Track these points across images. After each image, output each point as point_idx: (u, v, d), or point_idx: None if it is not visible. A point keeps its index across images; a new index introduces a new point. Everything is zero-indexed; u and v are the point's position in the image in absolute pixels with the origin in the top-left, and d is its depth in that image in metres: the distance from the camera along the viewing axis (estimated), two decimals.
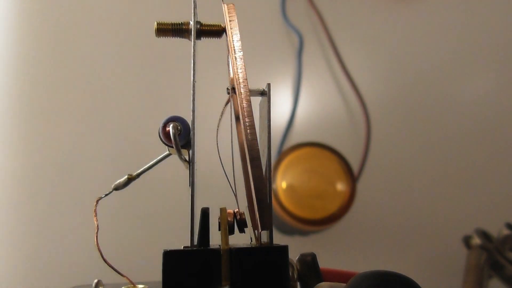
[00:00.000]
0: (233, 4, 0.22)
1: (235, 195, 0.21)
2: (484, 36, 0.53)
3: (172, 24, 0.22)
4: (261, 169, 0.19)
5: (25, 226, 0.43)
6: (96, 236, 0.20)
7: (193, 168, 0.20)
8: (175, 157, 0.20)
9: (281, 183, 0.40)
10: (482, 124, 0.51)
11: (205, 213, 0.19)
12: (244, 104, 0.20)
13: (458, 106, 0.51)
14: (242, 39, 0.21)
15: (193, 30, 0.21)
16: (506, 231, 0.40)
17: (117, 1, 0.50)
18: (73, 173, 0.44)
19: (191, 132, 0.20)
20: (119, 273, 0.20)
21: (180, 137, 0.20)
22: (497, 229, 0.41)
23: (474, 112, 0.51)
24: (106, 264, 0.20)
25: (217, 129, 0.22)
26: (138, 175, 0.22)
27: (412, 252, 0.46)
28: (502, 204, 0.48)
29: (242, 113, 0.20)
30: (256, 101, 0.22)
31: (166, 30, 0.22)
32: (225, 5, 0.22)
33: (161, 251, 0.18)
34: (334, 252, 0.45)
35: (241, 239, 0.21)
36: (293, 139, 0.47)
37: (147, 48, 0.48)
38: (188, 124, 0.20)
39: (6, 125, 0.45)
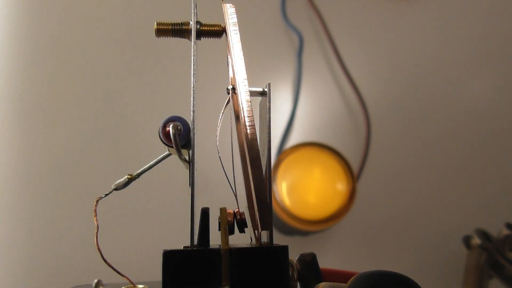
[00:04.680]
0: (233, 4, 0.22)
1: (235, 195, 0.21)
2: (485, 37, 0.53)
3: (172, 24, 0.22)
4: (261, 169, 0.19)
5: (25, 226, 0.43)
6: (96, 236, 0.20)
7: (193, 168, 0.20)
8: (175, 157, 0.20)
9: (281, 183, 0.40)
10: (482, 124, 0.51)
11: (205, 213, 0.19)
12: (244, 104, 0.20)
13: (458, 106, 0.51)
14: (242, 39, 0.21)
15: (193, 30, 0.21)
16: (506, 231, 0.40)
17: (117, 1, 0.50)
18: (73, 173, 0.44)
19: (191, 132, 0.20)
20: (119, 273, 0.20)
21: (180, 137, 0.20)
22: (497, 229, 0.41)
23: (474, 112, 0.51)
24: (106, 264, 0.20)
25: (217, 129, 0.22)
26: (138, 175, 0.22)
27: (412, 252, 0.46)
28: (502, 204, 0.48)
29: (242, 113, 0.20)
30: (256, 101, 0.22)
31: (166, 30, 0.22)
32: (225, 5, 0.22)
33: (161, 251, 0.18)
34: (334, 252, 0.45)
35: (241, 239, 0.21)
36: (293, 139, 0.47)
37: (147, 48, 0.48)
38: (188, 124, 0.20)
39: (6, 125, 0.45)
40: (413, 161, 0.48)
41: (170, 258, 0.18)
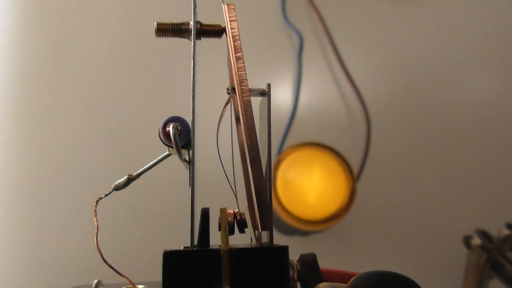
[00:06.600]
0: (233, 4, 0.22)
1: (235, 195, 0.21)
2: (486, 37, 0.53)
3: (172, 24, 0.22)
4: (261, 169, 0.19)
5: (25, 226, 0.43)
6: (96, 236, 0.20)
7: (193, 168, 0.20)
8: (175, 157, 0.20)
9: (281, 184, 0.40)
10: (482, 124, 0.51)
11: (205, 213, 0.19)
12: (244, 105, 0.20)
13: (459, 106, 0.51)
14: (242, 39, 0.21)
15: (193, 30, 0.21)
16: (506, 231, 0.40)
17: (117, 1, 0.50)
18: (73, 173, 0.44)
19: (191, 132, 0.20)
20: (119, 273, 0.20)
21: (180, 137, 0.20)
22: (497, 229, 0.41)
23: (474, 112, 0.51)
24: (106, 264, 0.20)
25: (217, 129, 0.22)
26: (138, 175, 0.22)
27: (412, 252, 0.46)
28: (502, 204, 0.48)
29: (242, 113, 0.20)
30: (256, 101, 0.22)
31: (166, 30, 0.22)
32: (225, 5, 0.22)
33: (161, 251, 0.18)
34: (334, 252, 0.45)
35: (241, 240, 0.21)
36: (293, 139, 0.47)
37: (147, 48, 0.48)
38: (188, 124, 0.20)
39: (6, 125, 0.45)
40: (413, 161, 0.48)
41: (170, 258, 0.18)
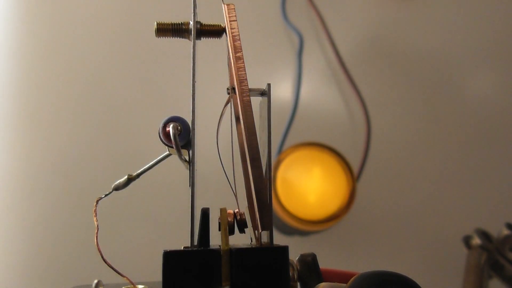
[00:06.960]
0: (233, 4, 0.22)
1: (235, 195, 0.21)
2: (487, 34, 0.53)
3: (172, 24, 0.22)
4: (261, 169, 0.19)
5: (25, 226, 0.43)
6: (96, 236, 0.20)
7: (193, 168, 0.20)
8: (175, 157, 0.20)
9: (281, 184, 0.40)
10: (483, 123, 0.51)
11: (205, 213, 0.19)
12: (244, 105, 0.20)
13: (459, 106, 0.51)
14: (242, 39, 0.21)
15: (193, 30, 0.21)
16: (506, 231, 0.40)
17: (117, 1, 0.50)
18: (73, 173, 0.44)
19: (191, 132, 0.20)
20: (119, 273, 0.20)
21: (180, 137, 0.20)
22: (497, 229, 0.41)
23: (474, 111, 0.51)
24: (106, 264, 0.20)
25: (217, 129, 0.22)
26: (138, 175, 0.22)
27: (412, 252, 0.46)
28: (502, 204, 0.48)
29: (242, 113, 0.20)
30: (256, 101, 0.22)
31: (166, 30, 0.22)
32: (225, 5, 0.22)
33: (161, 251, 0.18)
34: (334, 252, 0.45)
35: (241, 240, 0.21)
36: (293, 139, 0.47)
37: (147, 48, 0.48)
38: (188, 124, 0.20)
39: (6, 125, 0.45)
40: (413, 161, 0.48)
41: (170, 258, 0.18)
